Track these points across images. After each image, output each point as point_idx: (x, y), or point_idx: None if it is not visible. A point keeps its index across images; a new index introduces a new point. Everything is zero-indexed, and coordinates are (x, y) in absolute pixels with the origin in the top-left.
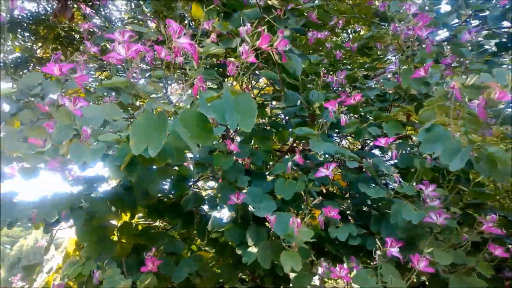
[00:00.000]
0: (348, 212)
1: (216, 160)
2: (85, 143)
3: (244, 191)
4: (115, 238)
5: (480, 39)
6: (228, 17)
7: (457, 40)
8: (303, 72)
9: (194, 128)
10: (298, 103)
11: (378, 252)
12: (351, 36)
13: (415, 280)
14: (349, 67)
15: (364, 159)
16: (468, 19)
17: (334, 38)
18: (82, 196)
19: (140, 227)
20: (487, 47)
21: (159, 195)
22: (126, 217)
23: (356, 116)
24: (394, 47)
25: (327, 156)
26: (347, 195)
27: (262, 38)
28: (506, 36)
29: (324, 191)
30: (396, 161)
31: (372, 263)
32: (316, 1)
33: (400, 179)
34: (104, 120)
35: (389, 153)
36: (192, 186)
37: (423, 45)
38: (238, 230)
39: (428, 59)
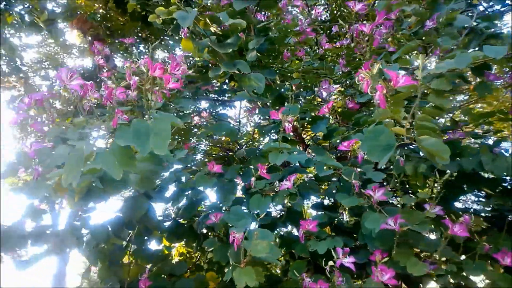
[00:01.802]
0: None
1: (198, 181)
2: (40, 180)
3: None
4: None
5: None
6: None
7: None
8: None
9: (120, 157)
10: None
11: (330, 262)
12: None
13: None
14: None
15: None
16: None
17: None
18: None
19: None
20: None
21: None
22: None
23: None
24: None
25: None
26: None
27: (150, 68)
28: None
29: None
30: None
31: (362, 279)
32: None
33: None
34: None
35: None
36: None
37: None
38: (224, 249)
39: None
